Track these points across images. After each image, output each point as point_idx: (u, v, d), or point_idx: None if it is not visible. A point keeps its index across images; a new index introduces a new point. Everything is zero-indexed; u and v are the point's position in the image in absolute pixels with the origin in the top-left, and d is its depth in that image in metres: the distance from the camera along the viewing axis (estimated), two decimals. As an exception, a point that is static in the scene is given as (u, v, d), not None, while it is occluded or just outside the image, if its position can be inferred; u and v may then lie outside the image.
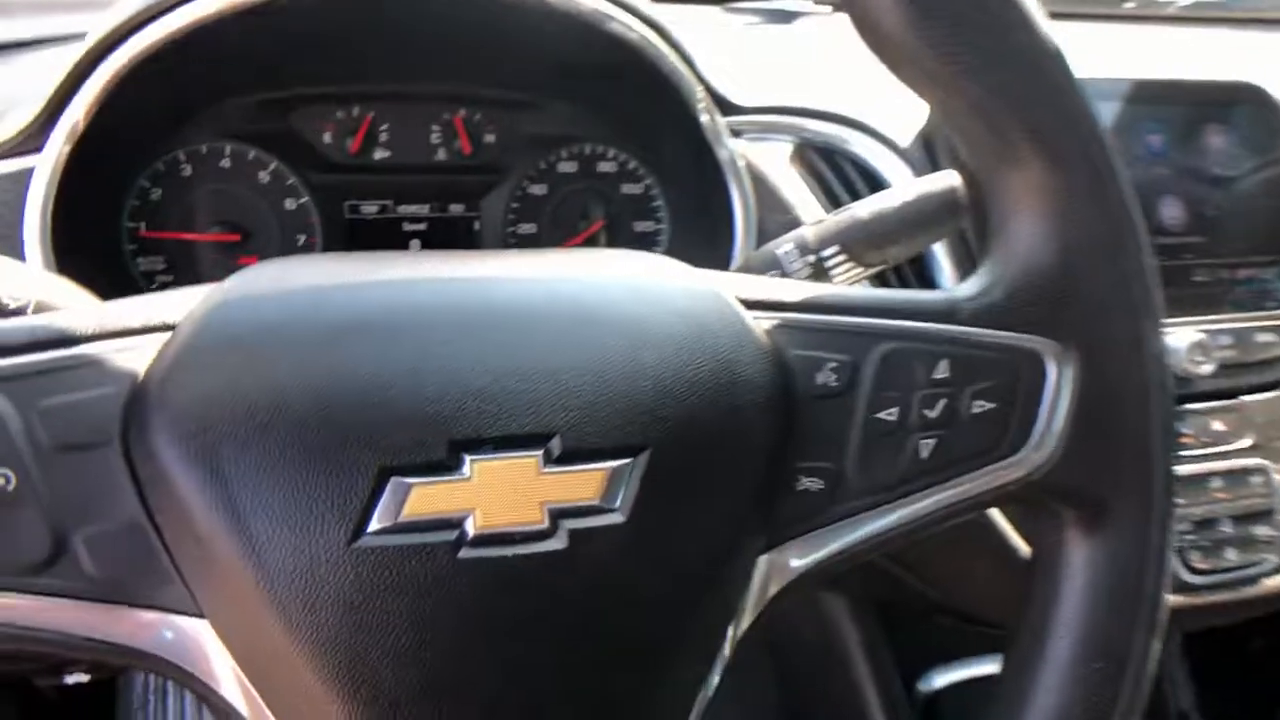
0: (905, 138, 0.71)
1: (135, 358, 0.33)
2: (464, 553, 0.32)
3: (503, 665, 0.33)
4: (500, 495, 0.32)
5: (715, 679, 0.37)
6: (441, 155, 0.76)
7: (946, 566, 0.71)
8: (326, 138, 0.74)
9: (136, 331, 0.33)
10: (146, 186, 0.71)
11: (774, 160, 0.71)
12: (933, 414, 0.38)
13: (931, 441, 0.38)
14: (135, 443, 0.32)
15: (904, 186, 0.52)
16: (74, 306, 0.41)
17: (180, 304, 0.34)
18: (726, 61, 0.72)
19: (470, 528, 0.32)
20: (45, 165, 0.60)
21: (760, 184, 0.69)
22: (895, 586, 0.75)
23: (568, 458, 0.33)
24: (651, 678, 0.36)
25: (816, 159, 0.72)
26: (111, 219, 0.70)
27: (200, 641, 0.32)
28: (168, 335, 0.33)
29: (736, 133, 0.70)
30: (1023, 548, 0.66)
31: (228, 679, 0.33)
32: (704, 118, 0.68)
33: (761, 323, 0.37)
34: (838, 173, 0.72)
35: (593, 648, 0.34)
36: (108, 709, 0.93)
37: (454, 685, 0.32)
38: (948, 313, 0.39)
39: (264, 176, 0.72)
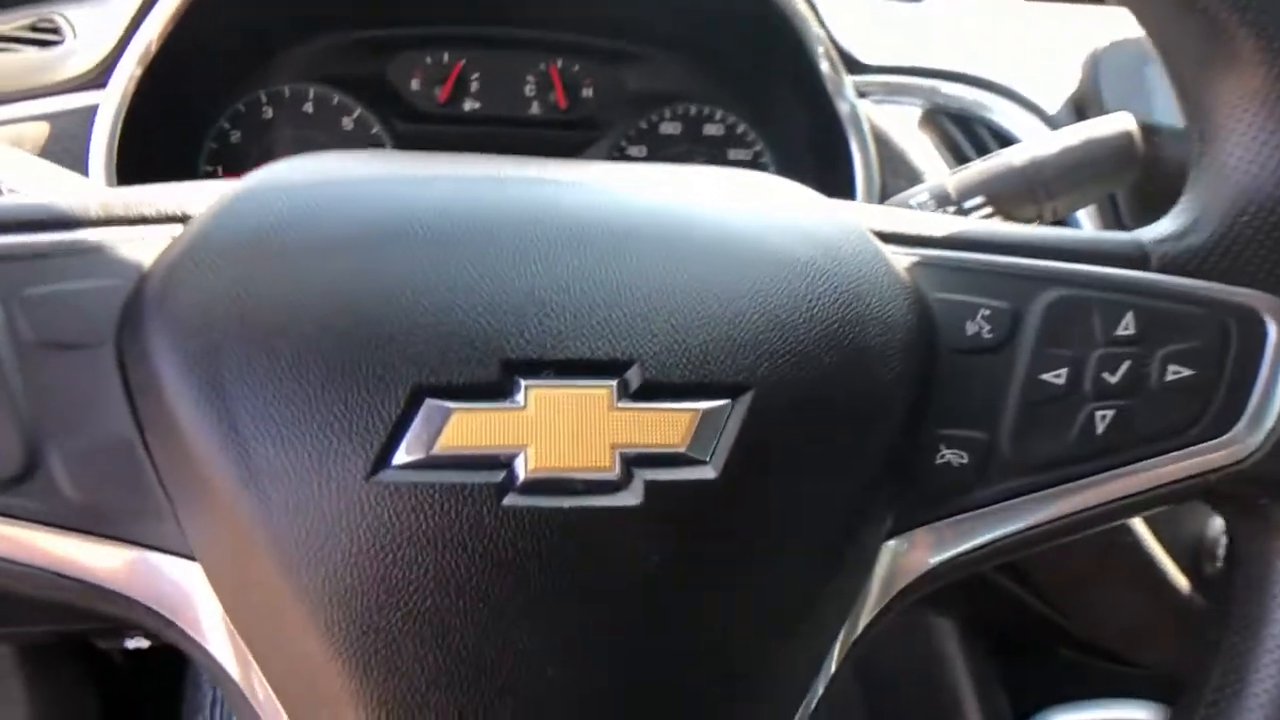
0: (1053, 103, 0.64)
1: (143, 249, 0.29)
2: (510, 499, 0.26)
3: (549, 647, 0.27)
4: (561, 432, 0.26)
5: (819, 692, 0.30)
6: (535, 109, 0.72)
7: (1082, 590, 0.62)
8: (414, 85, 0.71)
9: (149, 220, 0.29)
10: (226, 129, 0.69)
11: (901, 124, 0.64)
12: (1113, 379, 0.31)
13: (1110, 413, 0.31)
14: (129, 345, 0.27)
15: (1068, 131, 0.44)
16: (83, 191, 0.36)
17: (203, 194, 0.30)
18: (853, 24, 0.66)
19: (521, 469, 0.26)
20: (113, 96, 0.58)
21: (885, 147, 0.63)
22: (1014, 609, 0.67)
23: (648, 392, 0.27)
24: (738, 684, 0.29)
25: (950, 125, 0.66)
26: (189, 161, 0.68)
27: (187, 587, 0.27)
28: (181, 227, 0.29)
29: (862, 94, 0.64)
30: (1176, 575, 0.57)
31: (216, 633, 0.28)
32: (824, 66, 0.61)
33: (900, 259, 0.32)
34: (973, 140, 0.65)
35: (665, 636, 0.28)
36: (178, 677, 0.91)
37: (487, 667, 0.26)
38: (1136, 257, 0.32)
39: (347, 123, 0.70)
